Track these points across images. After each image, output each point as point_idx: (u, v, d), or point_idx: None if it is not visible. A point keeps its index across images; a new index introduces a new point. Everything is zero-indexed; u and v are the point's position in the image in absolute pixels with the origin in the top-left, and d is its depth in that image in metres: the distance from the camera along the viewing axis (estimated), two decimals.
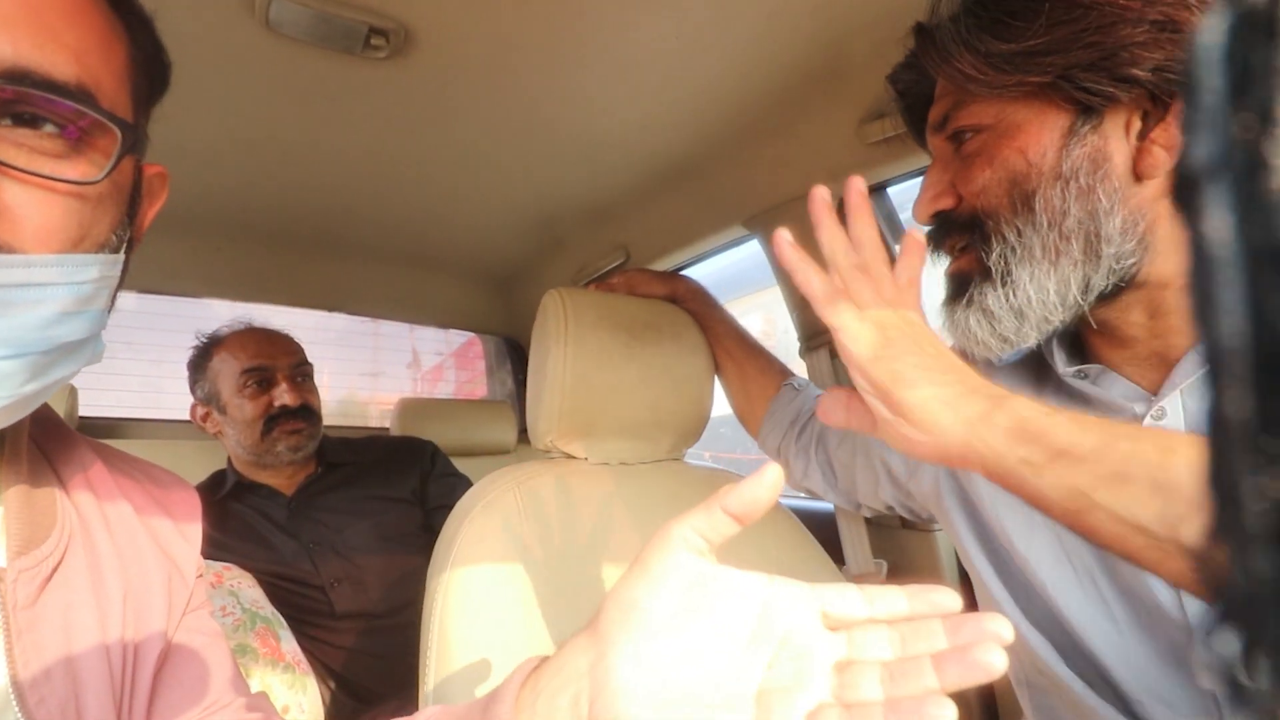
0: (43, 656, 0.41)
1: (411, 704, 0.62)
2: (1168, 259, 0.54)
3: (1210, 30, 0.14)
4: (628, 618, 0.35)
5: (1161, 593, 0.55)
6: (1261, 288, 0.13)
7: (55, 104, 0.37)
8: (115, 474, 0.52)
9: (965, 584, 1.04)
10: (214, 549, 1.21)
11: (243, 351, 1.35)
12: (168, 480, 0.57)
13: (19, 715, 0.38)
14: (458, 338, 4.11)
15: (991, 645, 0.31)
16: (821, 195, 0.53)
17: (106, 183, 0.40)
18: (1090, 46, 0.51)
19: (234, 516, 1.32)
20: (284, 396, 1.34)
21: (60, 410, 1.44)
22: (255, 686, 0.93)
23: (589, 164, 1.18)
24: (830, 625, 0.35)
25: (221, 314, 1.51)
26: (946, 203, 0.63)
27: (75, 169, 0.39)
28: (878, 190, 1.10)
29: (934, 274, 0.70)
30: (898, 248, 1.15)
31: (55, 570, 0.43)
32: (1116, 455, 0.42)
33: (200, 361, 1.38)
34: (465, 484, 1.48)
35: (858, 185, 0.54)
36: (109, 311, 0.45)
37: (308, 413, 1.37)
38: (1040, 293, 0.57)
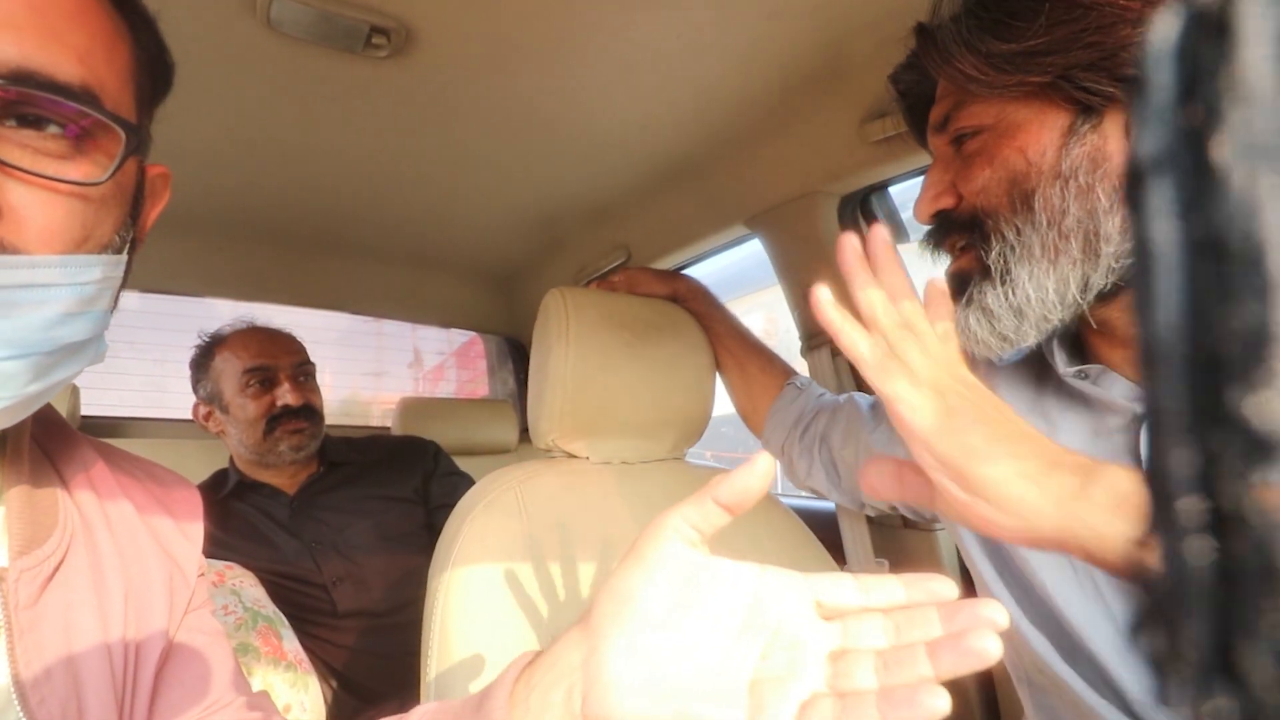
0: (44, 656, 0.41)
1: (413, 702, 0.62)
2: None
3: (1162, 29, 0.14)
4: (620, 610, 0.35)
5: None
6: (1200, 284, 0.13)
7: (59, 105, 0.37)
8: (117, 473, 0.52)
9: (967, 583, 1.04)
10: (216, 548, 1.21)
11: (245, 351, 1.36)
12: (169, 479, 0.57)
13: (20, 715, 0.38)
14: (459, 337, 4.11)
15: (985, 632, 0.30)
16: (852, 245, 0.48)
17: (110, 184, 0.40)
18: (1090, 47, 0.51)
19: (236, 515, 1.32)
20: (286, 396, 1.34)
21: (63, 410, 1.45)
22: (257, 685, 0.93)
23: (590, 163, 1.18)
24: (825, 615, 0.35)
25: (224, 313, 1.51)
26: (947, 202, 0.63)
27: (79, 170, 0.39)
28: (879, 189, 1.10)
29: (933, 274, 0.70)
30: (901, 248, 1.16)
31: (57, 570, 0.43)
32: None
33: (203, 361, 1.39)
34: (468, 483, 1.48)
35: (882, 235, 0.50)
36: (112, 312, 0.45)
37: (310, 412, 1.37)
38: (1039, 291, 0.57)
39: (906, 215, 1.14)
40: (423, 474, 1.50)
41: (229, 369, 1.35)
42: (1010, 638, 0.67)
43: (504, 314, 1.98)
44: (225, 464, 1.42)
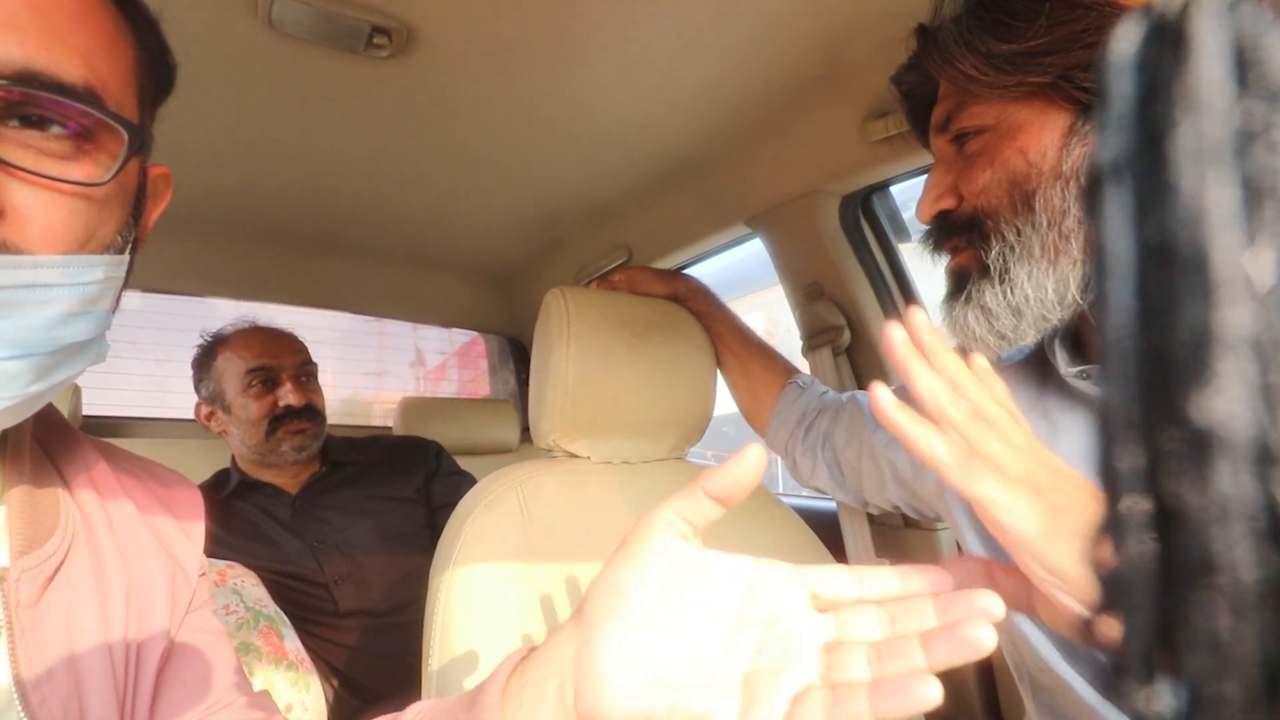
0: (45, 656, 0.41)
1: (414, 701, 0.62)
2: None
3: (1122, 39, 0.14)
4: (612, 604, 0.35)
5: None
6: (1149, 287, 0.13)
7: (62, 105, 0.37)
8: (118, 473, 0.52)
9: None
10: (218, 547, 1.21)
11: (247, 351, 1.36)
12: (171, 479, 0.57)
13: (21, 715, 0.38)
14: (461, 337, 4.11)
15: (980, 622, 0.30)
16: (900, 336, 0.43)
17: (112, 184, 0.40)
18: (1091, 47, 0.51)
19: (238, 515, 1.32)
20: (288, 396, 1.34)
21: (65, 409, 1.45)
22: (259, 685, 0.93)
23: (591, 163, 1.18)
24: (820, 607, 0.35)
25: (226, 313, 1.51)
26: (948, 203, 0.63)
27: (81, 170, 0.39)
28: (880, 189, 1.10)
29: (935, 273, 0.70)
30: (901, 248, 1.16)
31: (58, 570, 0.43)
32: None
33: (205, 360, 1.39)
34: (470, 482, 1.48)
35: (922, 320, 0.45)
36: (114, 312, 0.45)
37: (312, 412, 1.37)
38: (1038, 291, 0.57)
39: (908, 215, 1.14)
40: (425, 474, 1.51)
41: (231, 369, 1.35)
42: (1013, 637, 0.67)
43: (505, 314, 1.98)
44: (227, 464, 1.42)
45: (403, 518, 1.41)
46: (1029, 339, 0.59)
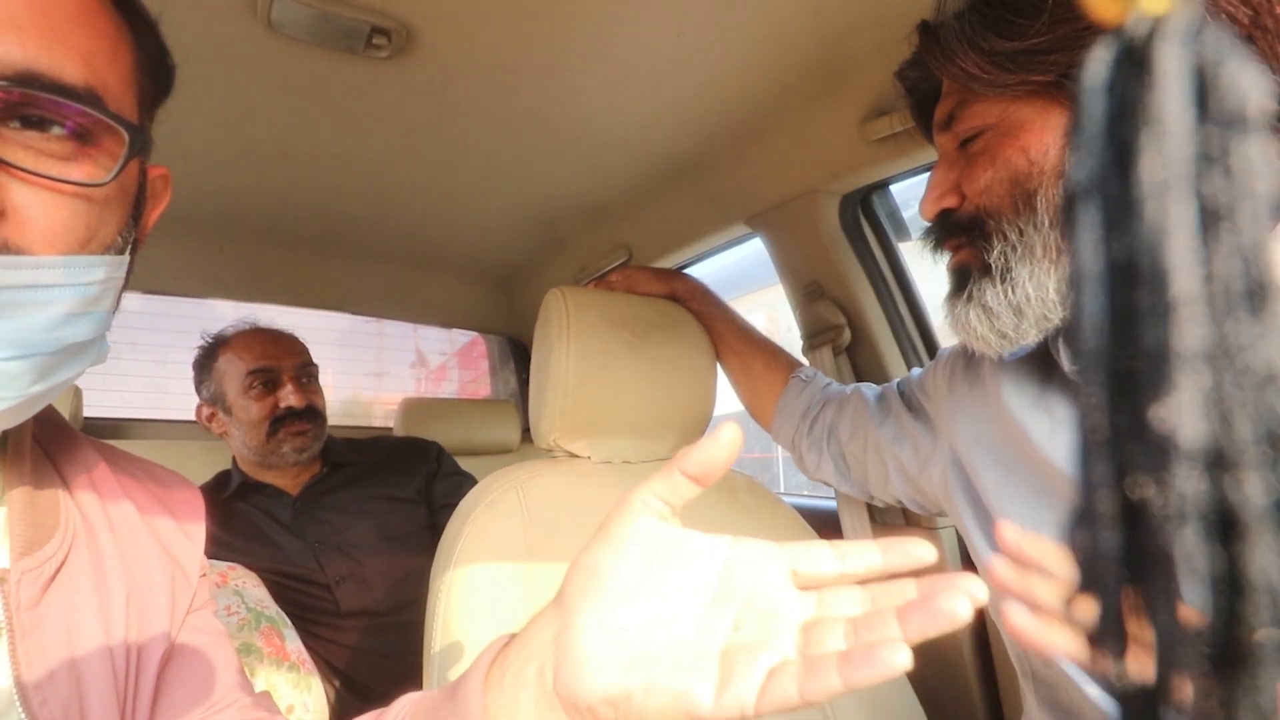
0: (46, 657, 0.41)
1: None
2: None
3: (1095, 61, 0.15)
4: (590, 586, 0.35)
5: None
6: (1116, 302, 0.14)
7: (63, 106, 0.37)
8: (119, 474, 0.52)
9: None
10: (219, 549, 1.21)
11: (248, 352, 1.36)
12: (171, 480, 0.57)
13: (22, 716, 0.38)
14: (461, 337, 4.11)
15: (956, 593, 0.30)
16: (1002, 567, 0.37)
17: (113, 185, 0.41)
18: (1093, 44, 0.51)
19: (239, 516, 1.32)
20: (289, 398, 1.34)
21: (65, 411, 1.45)
22: (260, 686, 0.93)
23: (591, 163, 1.18)
24: (801, 584, 0.35)
25: (226, 314, 1.51)
26: (951, 201, 0.63)
27: (82, 171, 0.39)
28: (880, 188, 1.10)
29: (935, 272, 0.70)
30: (902, 247, 1.16)
31: (58, 571, 0.43)
32: None
33: (205, 362, 1.39)
34: (471, 483, 1.48)
35: (1013, 533, 0.38)
36: (114, 312, 0.45)
37: (312, 414, 1.38)
38: (1040, 290, 0.57)
39: (908, 214, 1.14)
40: (425, 475, 1.51)
41: (232, 370, 1.35)
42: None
43: (505, 314, 1.98)
44: (227, 465, 1.42)
45: (403, 518, 1.41)
46: (1031, 338, 0.59)
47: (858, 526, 1.08)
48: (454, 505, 0.83)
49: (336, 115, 1.01)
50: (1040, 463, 0.62)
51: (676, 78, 0.92)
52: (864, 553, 0.34)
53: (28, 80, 0.36)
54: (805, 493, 1.18)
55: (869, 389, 0.90)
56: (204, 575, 0.55)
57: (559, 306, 0.85)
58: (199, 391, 1.40)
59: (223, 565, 1.09)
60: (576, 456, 0.89)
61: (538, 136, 1.08)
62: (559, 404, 0.84)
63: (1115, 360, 0.14)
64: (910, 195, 1.11)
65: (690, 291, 1.01)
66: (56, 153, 0.38)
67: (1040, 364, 0.68)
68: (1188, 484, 0.13)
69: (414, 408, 1.88)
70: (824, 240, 1.08)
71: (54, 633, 0.42)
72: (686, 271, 1.29)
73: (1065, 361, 0.62)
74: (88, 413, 1.59)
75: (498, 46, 0.85)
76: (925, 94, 0.68)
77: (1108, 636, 0.15)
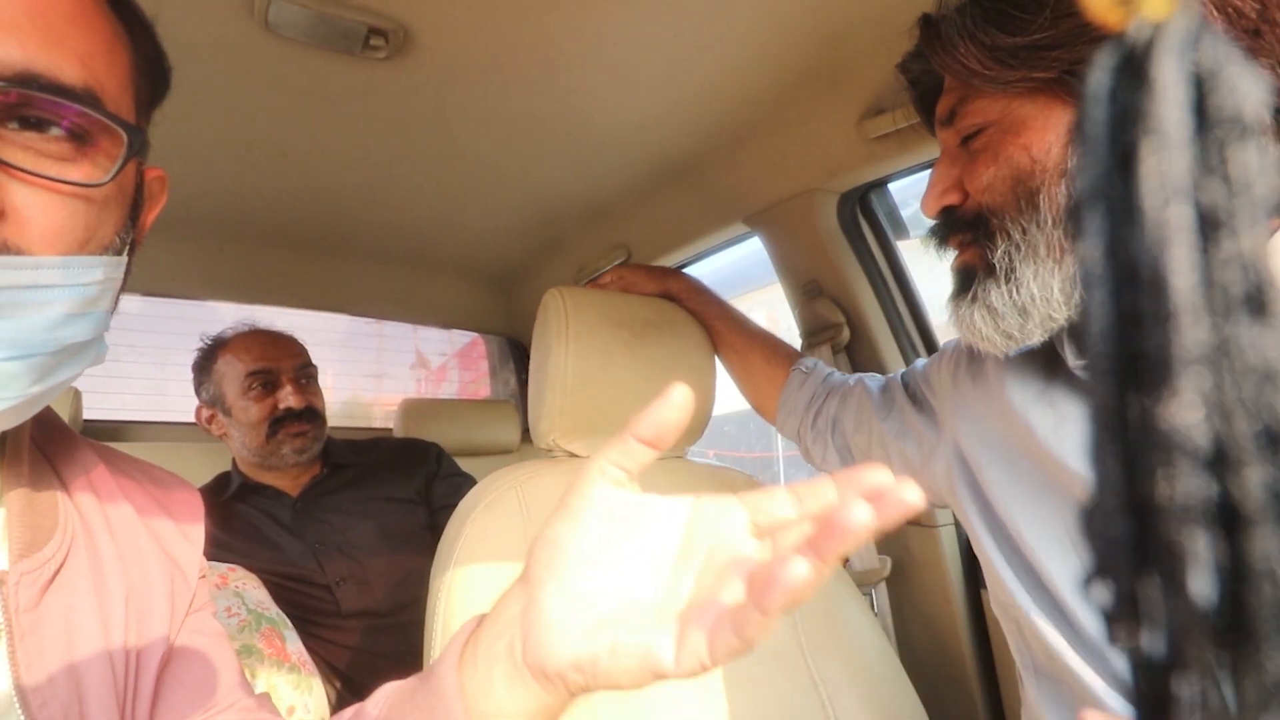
0: (45, 660, 0.41)
1: None
2: None
3: (1098, 67, 0.16)
4: (553, 559, 0.35)
5: None
6: (1122, 306, 0.15)
7: (62, 107, 0.38)
8: (117, 475, 0.52)
9: (970, 580, 1.04)
10: (219, 550, 1.21)
11: (247, 354, 1.36)
12: (170, 481, 0.57)
13: (22, 719, 0.38)
14: (461, 338, 4.11)
15: (861, 502, 0.28)
16: None
17: (111, 185, 0.41)
18: (1096, 41, 0.50)
19: (239, 518, 1.32)
20: (289, 399, 1.34)
21: (65, 413, 1.45)
22: (261, 687, 0.93)
23: (589, 163, 1.18)
24: (759, 534, 0.35)
25: (225, 316, 1.51)
26: (953, 198, 0.62)
27: (81, 171, 0.39)
28: (878, 186, 1.10)
29: (933, 269, 0.69)
30: (900, 245, 1.15)
31: (57, 573, 0.43)
32: None
33: (205, 364, 1.39)
34: (470, 483, 1.48)
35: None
36: (112, 313, 0.45)
37: (312, 415, 1.38)
38: (1044, 290, 0.56)
39: (906, 212, 1.14)
40: (425, 476, 1.51)
41: (231, 372, 1.35)
42: (1019, 624, 0.67)
43: (504, 314, 1.98)
44: (227, 467, 1.42)
45: (404, 519, 1.41)
46: (1036, 339, 0.59)
47: None
48: (454, 506, 0.83)
49: (334, 116, 1.01)
50: (1044, 457, 0.62)
51: (674, 77, 0.92)
52: (820, 491, 0.33)
53: (26, 81, 0.36)
54: None
55: (872, 380, 0.90)
56: (203, 577, 0.55)
57: (557, 306, 0.85)
58: (198, 393, 1.40)
59: (223, 567, 1.09)
60: (576, 456, 0.89)
61: (536, 136, 1.08)
62: (558, 404, 0.84)
63: (1122, 362, 0.15)
64: (908, 194, 1.11)
65: (685, 290, 1.01)
66: (55, 153, 0.38)
67: (1045, 359, 0.67)
68: (1191, 481, 0.14)
69: (414, 408, 1.88)
70: (822, 239, 1.08)
71: (53, 635, 0.42)
72: (685, 271, 1.29)
73: (1070, 357, 0.62)
74: (87, 415, 1.59)
75: (495, 47, 0.85)
76: (929, 84, 0.68)
77: (1122, 617, 0.15)
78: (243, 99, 0.96)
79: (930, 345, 1.10)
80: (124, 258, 0.44)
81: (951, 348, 0.79)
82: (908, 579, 1.08)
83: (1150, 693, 0.15)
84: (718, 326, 0.99)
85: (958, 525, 1.05)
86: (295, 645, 1.04)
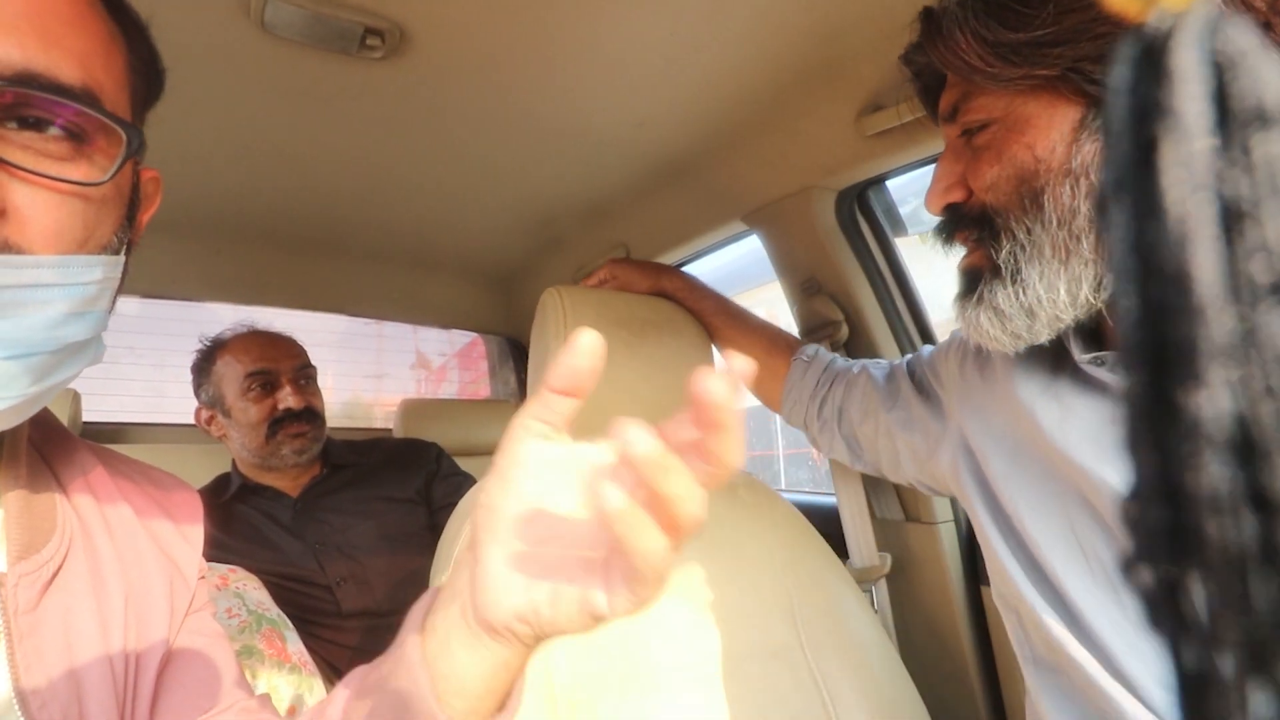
0: (44, 661, 0.41)
1: None
2: None
3: (1120, 59, 0.16)
4: (492, 522, 0.36)
5: None
6: (1150, 297, 0.15)
7: (61, 106, 0.38)
8: (115, 477, 0.52)
9: (970, 577, 1.04)
10: (219, 551, 1.21)
11: (246, 355, 1.36)
12: (168, 482, 0.57)
13: None
14: (461, 338, 4.11)
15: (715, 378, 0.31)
16: None
17: (109, 185, 0.41)
18: (1100, 37, 0.50)
19: (239, 519, 1.32)
20: (288, 399, 1.34)
21: (64, 416, 1.45)
22: (261, 688, 0.93)
23: (587, 162, 1.18)
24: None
25: (224, 317, 1.51)
26: (957, 195, 0.62)
27: (79, 171, 0.39)
28: (876, 183, 1.10)
29: (932, 266, 0.69)
30: (899, 243, 1.15)
31: (56, 574, 0.43)
32: None
33: (204, 365, 1.39)
34: (470, 483, 1.48)
35: None
36: (110, 313, 0.45)
37: (312, 415, 1.38)
38: (1050, 291, 0.56)
39: (904, 209, 1.14)
40: (425, 475, 1.51)
41: (230, 373, 1.35)
42: (1023, 619, 0.67)
43: (504, 314, 1.98)
44: (227, 468, 1.42)
45: (404, 519, 1.41)
46: (1043, 339, 0.58)
47: (858, 523, 1.08)
48: (454, 505, 0.82)
49: (331, 117, 1.01)
50: (1049, 450, 0.62)
51: (671, 76, 0.92)
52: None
53: (25, 81, 0.36)
54: (805, 490, 1.17)
55: (876, 367, 0.89)
56: (202, 577, 0.55)
57: (555, 306, 0.85)
58: (197, 395, 1.40)
59: (223, 568, 1.09)
60: None
61: (533, 136, 1.08)
62: None
63: (1151, 353, 0.15)
64: (907, 191, 1.11)
65: (680, 288, 1.01)
66: (54, 153, 0.38)
67: (1052, 354, 0.67)
68: (1220, 470, 0.15)
69: (413, 408, 1.88)
70: (820, 236, 1.08)
71: (52, 636, 0.42)
72: (684, 269, 1.29)
73: (1076, 351, 0.62)
74: (86, 417, 1.59)
75: (492, 46, 0.85)
76: (933, 76, 0.67)
77: (1162, 599, 0.16)
78: (239, 100, 0.96)
79: (929, 342, 1.10)
80: (122, 257, 0.44)
81: (959, 338, 0.79)
82: (907, 576, 1.08)
83: (1193, 677, 0.16)
84: (715, 322, 0.99)
85: (957, 522, 1.05)
86: (296, 646, 1.04)
